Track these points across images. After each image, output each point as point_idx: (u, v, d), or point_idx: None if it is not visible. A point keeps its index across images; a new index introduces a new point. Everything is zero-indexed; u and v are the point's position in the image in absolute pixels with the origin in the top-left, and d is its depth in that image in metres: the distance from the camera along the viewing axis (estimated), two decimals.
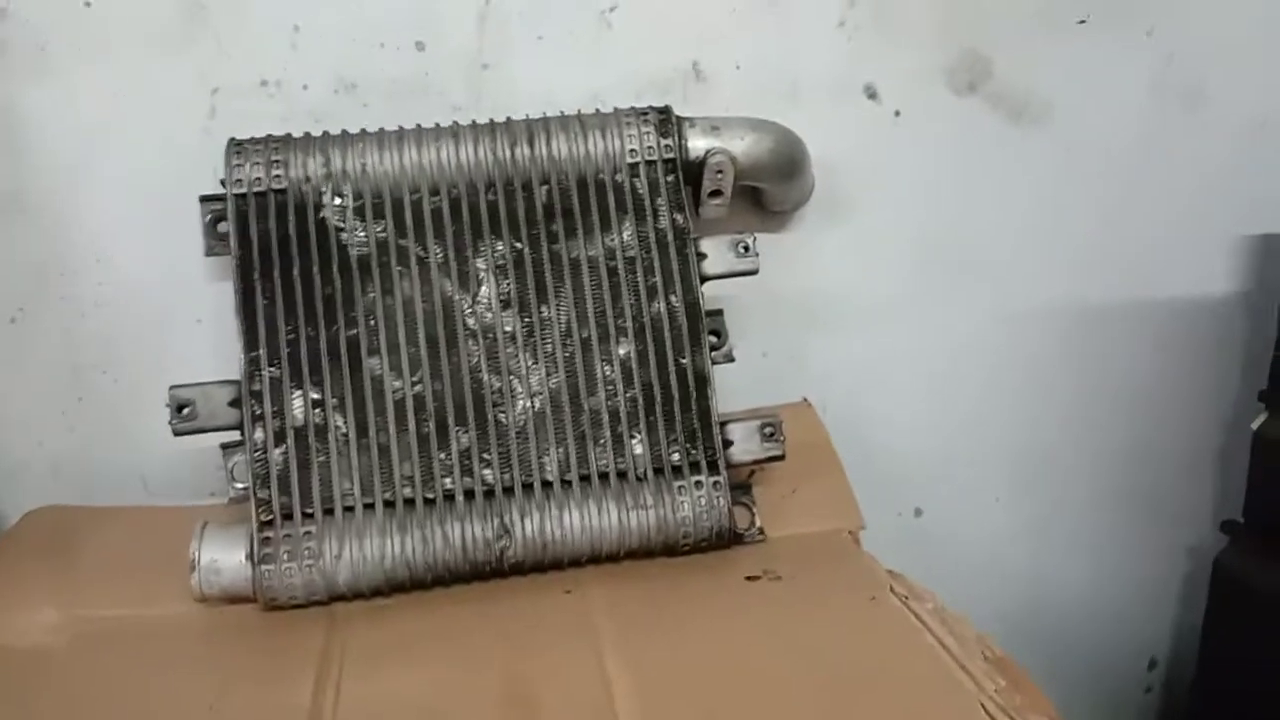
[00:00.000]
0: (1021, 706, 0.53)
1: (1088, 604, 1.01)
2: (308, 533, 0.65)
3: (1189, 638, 1.00)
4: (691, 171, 0.74)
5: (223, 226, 0.70)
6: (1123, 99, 0.88)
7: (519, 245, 0.71)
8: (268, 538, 0.65)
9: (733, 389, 0.75)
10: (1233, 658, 0.93)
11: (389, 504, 0.67)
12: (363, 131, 0.71)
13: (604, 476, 0.69)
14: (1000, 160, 0.88)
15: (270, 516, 0.65)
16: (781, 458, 0.72)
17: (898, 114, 0.85)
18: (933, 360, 0.91)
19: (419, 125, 0.72)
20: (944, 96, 0.86)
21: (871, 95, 0.85)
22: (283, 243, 0.69)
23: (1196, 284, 0.94)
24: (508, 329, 0.70)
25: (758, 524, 0.72)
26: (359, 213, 0.70)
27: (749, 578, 0.67)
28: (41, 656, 0.63)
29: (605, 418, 0.69)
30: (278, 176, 0.69)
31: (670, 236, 0.72)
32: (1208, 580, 0.94)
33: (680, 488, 0.69)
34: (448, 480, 0.67)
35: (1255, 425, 0.89)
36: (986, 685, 0.55)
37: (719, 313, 0.73)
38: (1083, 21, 0.86)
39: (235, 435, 0.67)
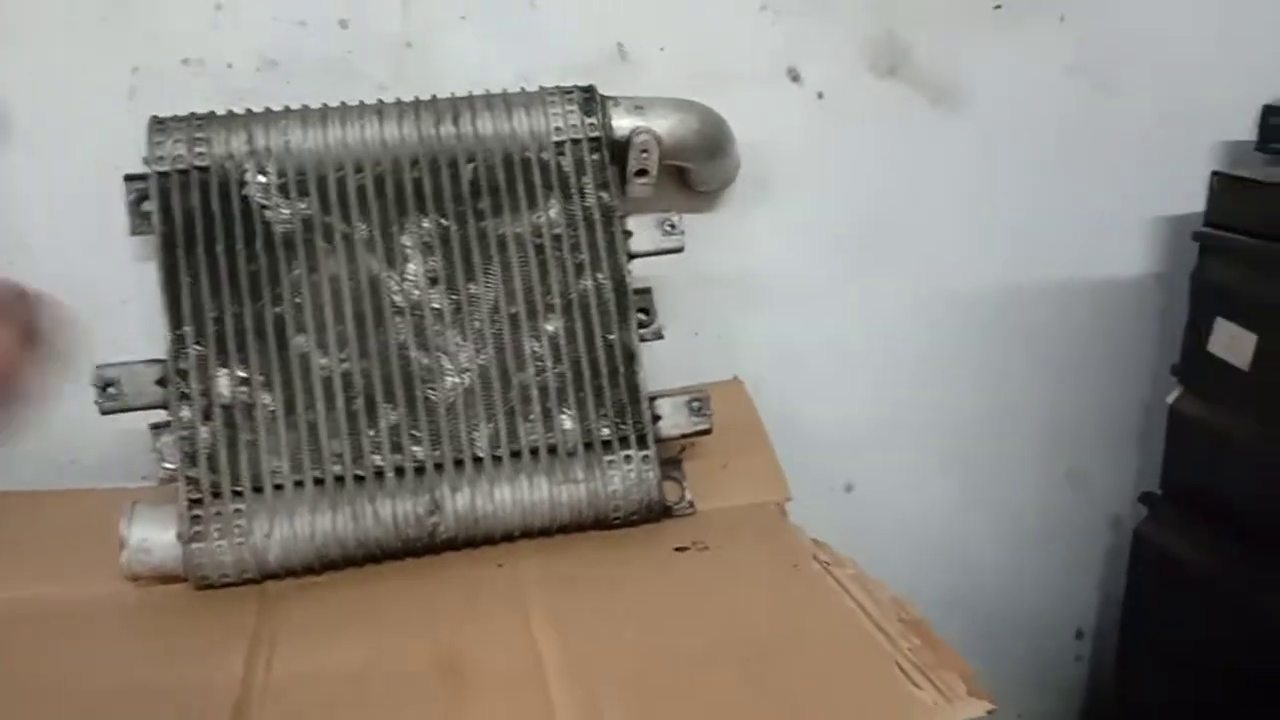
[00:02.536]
0: (935, 664, 0.55)
1: (1015, 577, 1.04)
2: (237, 510, 0.65)
3: (1114, 607, 1.03)
4: (617, 151, 0.75)
5: (146, 205, 0.69)
6: (1037, 84, 0.91)
7: (445, 222, 0.71)
8: (197, 516, 0.65)
9: (665, 368, 0.76)
10: (1155, 625, 0.96)
11: (319, 481, 0.67)
12: (286, 109, 0.71)
13: (534, 451, 0.70)
14: (921, 142, 0.90)
15: (199, 495, 0.65)
16: (709, 431, 0.73)
17: (820, 96, 0.87)
18: (860, 339, 0.94)
19: (343, 103, 0.72)
20: (865, 79, 0.88)
21: (795, 78, 0.86)
22: (206, 220, 0.69)
23: (1113, 264, 0.98)
24: (435, 306, 0.70)
25: (688, 497, 0.74)
26: (283, 190, 0.70)
27: (677, 549, 0.69)
28: None
29: (535, 393, 0.70)
30: (200, 154, 0.69)
31: (597, 214, 0.73)
32: (1129, 551, 0.98)
33: (610, 462, 0.70)
34: (377, 457, 0.68)
35: (1170, 400, 0.92)
36: (901, 644, 0.57)
37: (648, 291, 0.75)
38: (998, 7, 0.88)
39: (164, 415, 0.67)
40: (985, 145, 0.91)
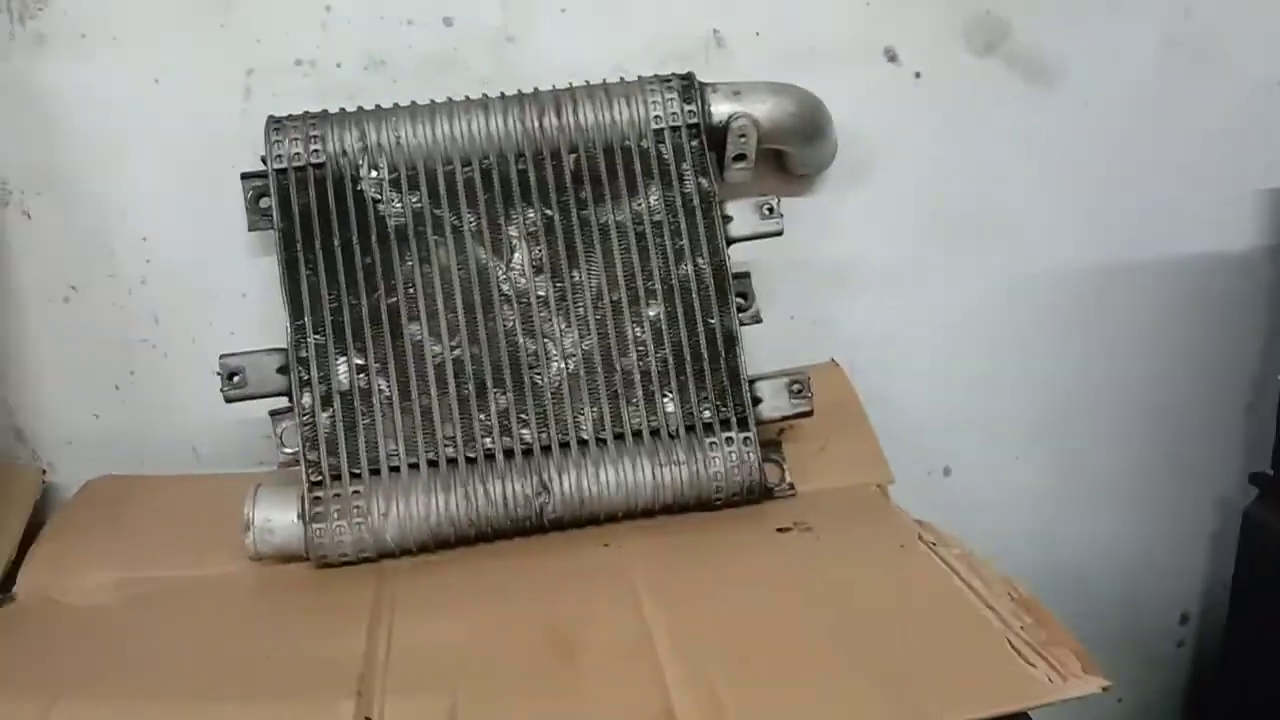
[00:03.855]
0: (1046, 641, 0.55)
1: (1119, 560, 1.02)
2: (356, 492, 0.68)
3: (1220, 591, 1.00)
4: (715, 136, 0.76)
5: (265, 202, 0.72)
6: (1135, 58, 0.89)
7: (549, 212, 0.73)
8: (318, 497, 0.68)
9: (762, 352, 0.76)
10: (1264, 609, 0.93)
11: (432, 463, 0.69)
12: (396, 106, 0.74)
13: (637, 434, 0.71)
14: (1018, 120, 0.88)
15: (320, 477, 0.68)
16: (809, 414, 0.74)
17: (918, 75, 0.86)
18: (957, 320, 0.93)
19: (450, 98, 0.74)
20: (963, 57, 0.87)
21: (892, 58, 0.86)
22: (323, 215, 0.71)
23: (1218, 239, 0.95)
24: (541, 293, 0.72)
25: (788, 479, 0.74)
26: (395, 184, 0.72)
27: (780, 529, 0.69)
28: (101, 615, 0.66)
29: (637, 377, 0.72)
30: (316, 151, 0.72)
31: (696, 200, 0.74)
32: (1237, 533, 0.95)
33: (711, 444, 0.71)
34: (488, 440, 0.70)
35: None
36: (1013, 623, 0.57)
37: (746, 275, 0.75)
38: None
39: (283, 402, 0.70)
40: (1082, 121, 0.89)
